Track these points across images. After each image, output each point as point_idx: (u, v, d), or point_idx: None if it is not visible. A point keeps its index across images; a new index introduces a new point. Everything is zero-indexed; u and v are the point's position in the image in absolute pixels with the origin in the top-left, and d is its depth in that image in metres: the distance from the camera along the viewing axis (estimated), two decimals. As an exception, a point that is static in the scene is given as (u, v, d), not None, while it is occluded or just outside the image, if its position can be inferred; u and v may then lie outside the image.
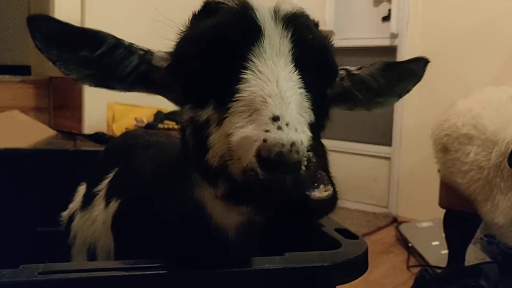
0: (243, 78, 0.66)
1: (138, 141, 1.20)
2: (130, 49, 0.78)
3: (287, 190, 0.59)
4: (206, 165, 0.66)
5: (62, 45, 0.75)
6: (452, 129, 2.20)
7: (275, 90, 0.64)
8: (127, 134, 1.43)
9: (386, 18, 4.05)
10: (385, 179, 4.03)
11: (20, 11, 4.29)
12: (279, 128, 0.59)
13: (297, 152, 0.58)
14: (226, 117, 0.65)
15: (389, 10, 3.99)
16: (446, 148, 2.24)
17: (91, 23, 2.70)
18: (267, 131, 0.59)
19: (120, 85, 0.79)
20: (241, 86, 0.65)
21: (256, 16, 0.69)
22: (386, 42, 3.99)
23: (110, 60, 0.76)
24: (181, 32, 0.77)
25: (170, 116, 3.34)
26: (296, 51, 0.69)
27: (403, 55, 3.84)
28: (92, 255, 1.11)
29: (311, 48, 0.72)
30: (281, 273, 0.81)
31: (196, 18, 0.76)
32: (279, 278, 0.81)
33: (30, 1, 4.15)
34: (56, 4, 3.50)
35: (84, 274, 0.73)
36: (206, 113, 0.68)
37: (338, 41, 0.81)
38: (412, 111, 3.76)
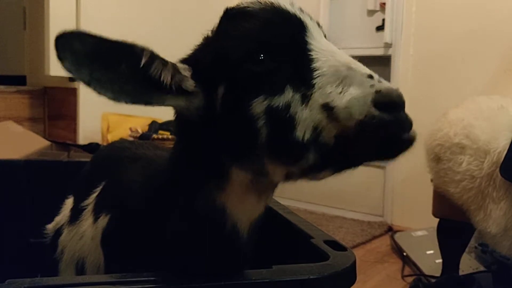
0: (313, 58, 0.72)
1: (125, 154, 1.19)
2: (162, 59, 0.74)
3: (410, 123, 0.69)
4: (293, 142, 0.70)
5: (96, 63, 0.68)
6: (444, 138, 2.21)
7: (348, 59, 0.72)
8: (113, 146, 1.40)
9: (380, 28, 4.09)
10: (380, 188, 4.04)
11: (15, 21, 4.29)
12: (379, 81, 0.68)
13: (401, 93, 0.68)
14: (313, 93, 0.70)
15: (383, 20, 4.02)
16: (438, 157, 2.25)
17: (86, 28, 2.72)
18: (372, 86, 0.67)
19: (158, 99, 0.74)
20: (316, 65, 0.71)
21: (290, 10, 0.77)
22: (380, 52, 4.01)
23: (150, 73, 0.72)
24: (214, 38, 0.79)
25: (165, 126, 3.35)
26: (323, 33, 0.79)
27: (397, 64, 3.87)
28: (80, 271, 1.10)
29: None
30: (268, 286, 0.81)
31: (227, 23, 0.78)
32: (266, 291, 0.81)
33: (25, 12, 4.16)
34: (51, 14, 3.52)
35: (70, 289, 0.72)
36: (286, 97, 0.71)
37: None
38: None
